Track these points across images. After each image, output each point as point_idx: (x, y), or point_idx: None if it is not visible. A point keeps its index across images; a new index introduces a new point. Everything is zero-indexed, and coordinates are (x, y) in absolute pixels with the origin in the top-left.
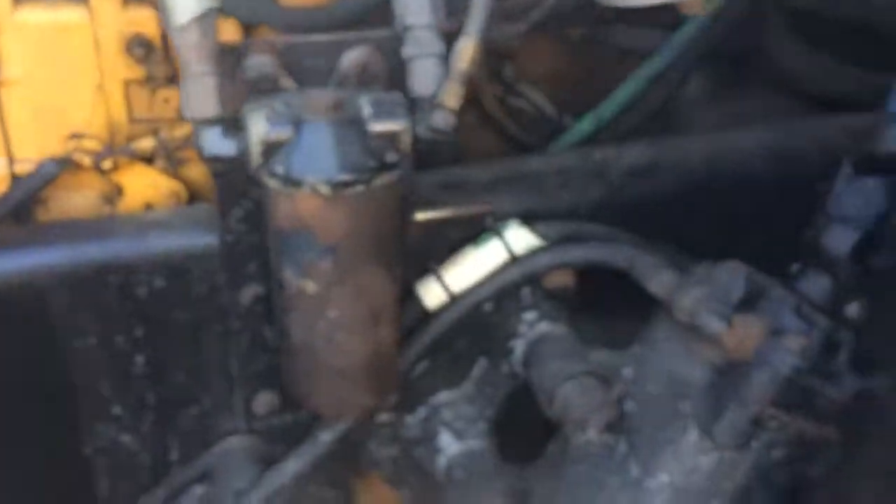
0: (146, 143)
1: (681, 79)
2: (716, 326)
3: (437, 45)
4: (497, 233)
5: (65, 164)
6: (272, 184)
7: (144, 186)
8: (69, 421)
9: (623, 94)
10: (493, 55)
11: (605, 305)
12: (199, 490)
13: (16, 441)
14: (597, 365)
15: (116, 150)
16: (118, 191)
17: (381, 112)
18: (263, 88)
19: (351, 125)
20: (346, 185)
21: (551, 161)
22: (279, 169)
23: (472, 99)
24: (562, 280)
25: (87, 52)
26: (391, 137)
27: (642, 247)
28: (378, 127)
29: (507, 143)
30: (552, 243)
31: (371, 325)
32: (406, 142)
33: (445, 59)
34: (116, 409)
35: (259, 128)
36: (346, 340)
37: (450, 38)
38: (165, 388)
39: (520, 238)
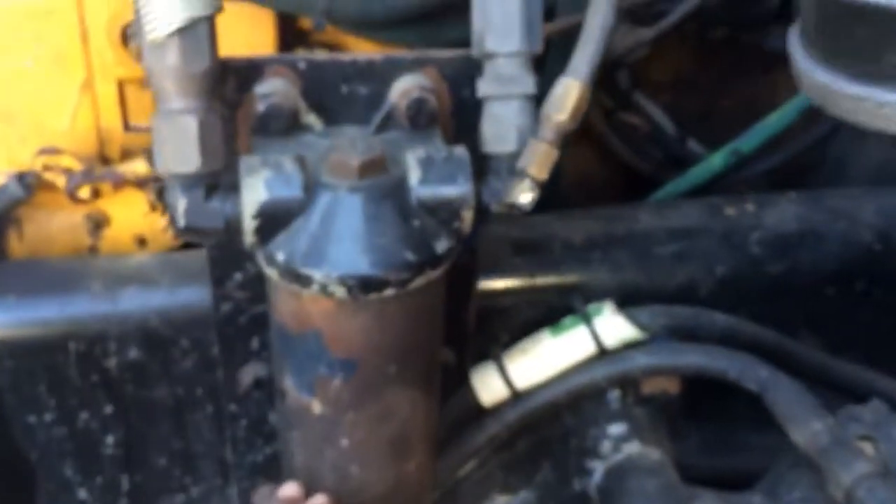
0: (137, 166)
1: None
2: None
3: (525, 83)
4: (584, 317)
5: (35, 184)
6: (270, 273)
7: (135, 217)
8: None
9: (777, 120)
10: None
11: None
12: None
13: None
14: None
15: (96, 176)
16: (104, 219)
17: (433, 176)
18: (276, 128)
19: (389, 195)
20: (371, 287)
21: (665, 216)
22: (279, 255)
23: None
24: (663, 385)
25: (72, 42)
26: (446, 213)
27: (786, 352)
28: (427, 198)
29: (611, 168)
30: (654, 338)
31: (395, 458)
32: (467, 219)
33: (536, 102)
34: (82, 494)
35: (255, 194)
36: (359, 475)
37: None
38: (143, 473)
39: (613, 327)
